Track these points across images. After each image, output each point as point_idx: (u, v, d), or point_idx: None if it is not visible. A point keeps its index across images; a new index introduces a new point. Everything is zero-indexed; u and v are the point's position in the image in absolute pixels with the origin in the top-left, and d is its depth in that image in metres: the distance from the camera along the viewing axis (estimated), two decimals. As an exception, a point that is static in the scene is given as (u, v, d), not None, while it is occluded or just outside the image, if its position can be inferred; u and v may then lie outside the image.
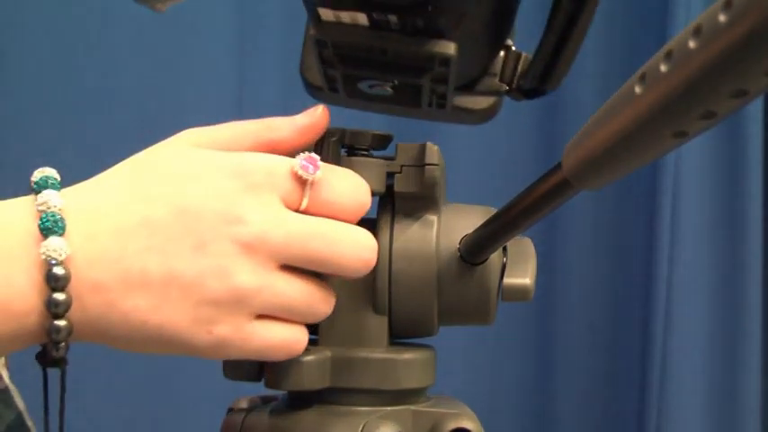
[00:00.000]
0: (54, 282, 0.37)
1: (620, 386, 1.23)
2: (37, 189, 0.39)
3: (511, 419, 1.24)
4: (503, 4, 0.44)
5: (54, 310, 0.37)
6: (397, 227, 0.46)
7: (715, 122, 0.29)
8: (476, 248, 0.45)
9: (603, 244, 1.23)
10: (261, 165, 0.40)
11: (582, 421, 1.23)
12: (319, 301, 0.42)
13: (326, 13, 0.42)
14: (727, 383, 1.18)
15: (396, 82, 0.44)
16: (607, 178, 0.34)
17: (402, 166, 0.45)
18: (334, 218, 0.41)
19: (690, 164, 1.18)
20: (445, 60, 0.42)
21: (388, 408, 0.46)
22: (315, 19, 0.43)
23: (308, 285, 0.41)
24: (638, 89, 0.30)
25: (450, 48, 0.42)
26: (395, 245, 0.46)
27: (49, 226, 0.37)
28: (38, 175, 0.40)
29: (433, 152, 0.45)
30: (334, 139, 0.45)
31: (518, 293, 0.46)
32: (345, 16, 0.42)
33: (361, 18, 0.42)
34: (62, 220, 0.37)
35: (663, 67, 0.28)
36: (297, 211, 0.41)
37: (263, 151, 0.42)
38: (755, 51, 0.25)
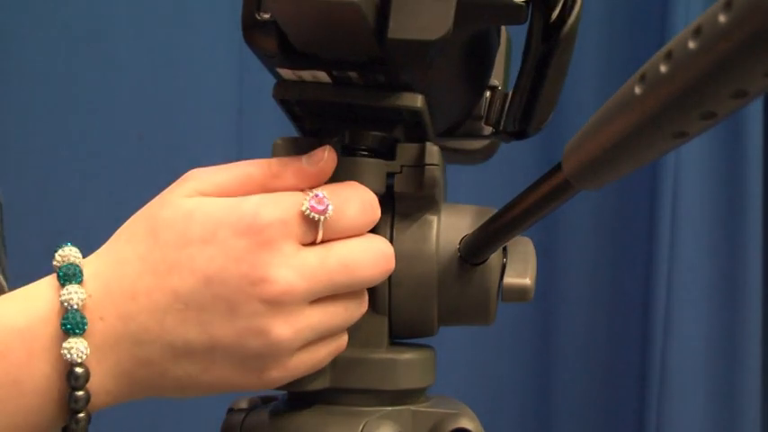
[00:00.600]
0: (75, 381, 0.38)
1: (620, 386, 1.23)
2: (62, 279, 0.39)
3: (511, 419, 1.24)
4: (474, 49, 0.44)
5: (74, 406, 0.39)
6: (396, 227, 0.46)
7: (715, 123, 0.29)
8: (476, 249, 0.45)
9: (603, 244, 1.23)
10: (273, 217, 0.40)
11: (582, 421, 1.23)
12: (353, 311, 0.43)
13: (287, 73, 0.43)
14: (727, 383, 1.18)
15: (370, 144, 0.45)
16: (607, 178, 0.34)
17: (402, 166, 0.45)
18: (348, 238, 0.42)
19: (690, 164, 1.18)
20: (413, 113, 0.43)
21: (388, 408, 0.46)
22: (276, 78, 0.43)
23: (339, 305, 0.42)
24: (637, 90, 0.30)
25: (416, 100, 0.43)
26: (395, 245, 0.45)
27: (70, 328, 0.38)
28: (61, 261, 0.40)
29: (433, 152, 0.44)
30: (334, 139, 0.45)
31: (518, 294, 0.46)
32: (306, 75, 0.42)
33: (323, 76, 0.42)
34: (84, 319, 0.39)
35: (663, 68, 0.28)
36: (313, 244, 0.41)
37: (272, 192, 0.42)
38: (756, 52, 0.25)
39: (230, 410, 0.49)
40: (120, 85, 1.13)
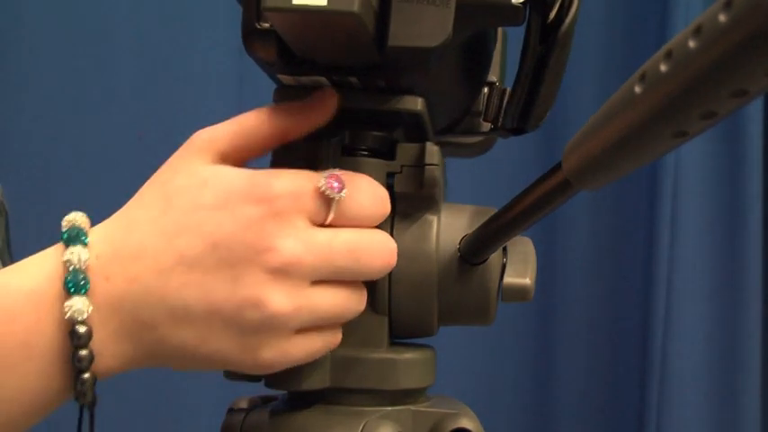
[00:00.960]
0: (77, 339, 0.38)
1: (620, 386, 1.23)
2: (66, 242, 0.40)
3: (511, 419, 1.24)
4: (473, 49, 0.44)
5: (78, 365, 0.39)
6: (397, 227, 0.46)
7: (715, 122, 0.29)
8: (476, 248, 0.45)
9: (603, 244, 1.23)
10: (286, 188, 0.40)
11: (582, 421, 1.23)
12: (353, 303, 0.43)
13: (287, 79, 0.43)
14: (727, 383, 1.18)
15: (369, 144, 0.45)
16: (607, 178, 0.34)
17: (402, 166, 0.45)
18: (356, 227, 0.42)
19: (690, 164, 1.18)
20: (414, 115, 0.43)
21: (388, 408, 0.46)
22: (276, 83, 0.43)
23: (340, 292, 0.42)
24: (637, 89, 0.30)
25: (416, 103, 0.43)
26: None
27: (71, 287, 0.39)
28: (66, 225, 0.41)
29: (433, 152, 0.45)
30: (335, 139, 0.45)
31: (518, 293, 0.46)
32: (306, 80, 0.42)
33: (323, 81, 0.42)
34: (86, 279, 0.39)
35: (663, 67, 0.28)
36: (322, 225, 0.41)
37: (278, 142, 0.43)
38: (756, 52, 0.25)
39: (230, 410, 0.49)
40: (120, 85, 1.13)
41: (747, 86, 0.26)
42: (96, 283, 0.39)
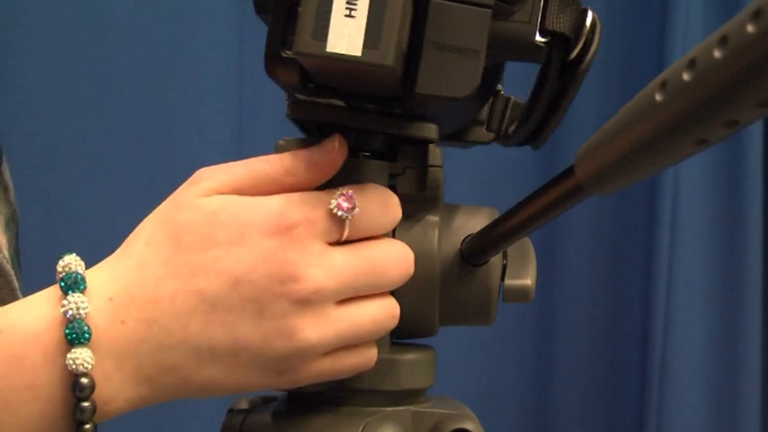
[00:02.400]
0: (80, 392, 0.38)
1: (620, 386, 1.23)
2: (64, 288, 0.39)
3: (511, 419, 1.24)
4: (489, 74, 0.44)
5: (79, 416, 0.38)
6: (399, 228, 0.46)
7: (738, 130, 0.29)
8: (480, 250, 0.45)
9: (603, 244, 1.24)
10: (300, 215, 0.40)
11: (582, 421, 1.23)
12: (383, 315, 0.42)
13: (302, 96, 0.43)
14: (727, 383, 1.18)
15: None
16: (623, 183, 0.34)
17: (405, 167, 0.45)
18: (371, 239, 0.42)
19: (689, 164, 1.18)
20: (426, 141, 0.43)
21: (389, 408, 0.46)
22: (290, 98, 0.43)
23: (367, 307, 0.42)
24: (658, 97, 0.30)
25: (431, 131, 0.43)
26: (396, 246, 0.45)
27: (74, 337, 0.38)
28: (62, 270, 0.39)
29: (436, 154, 0.45)
30: None
31: (519, 294, 0.46)
32: (322, 99, 0.42)
33: (338, 102, 0.42)
34: (88, 328, 0.38)
35: (686, 76, 0.28)
36: (338, 243, 0.41)
37: (287, 192, 0.42)
38: None
39: (230, 411, 0.49)
40: (120, 85, 1.13)
41: None
42: (111, 327, 0.39)
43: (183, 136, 1.14)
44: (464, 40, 0.39)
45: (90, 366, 0.38)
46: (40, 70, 1.11)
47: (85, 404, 0.38)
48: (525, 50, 0.41)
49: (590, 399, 1.23)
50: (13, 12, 1.10)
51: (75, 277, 0.39)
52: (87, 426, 0.38)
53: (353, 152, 0.45)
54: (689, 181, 1.18)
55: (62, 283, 0.39)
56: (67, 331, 0.38)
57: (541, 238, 1.18)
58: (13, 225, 0.60)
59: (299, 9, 0.37)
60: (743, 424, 1.17)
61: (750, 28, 0.25)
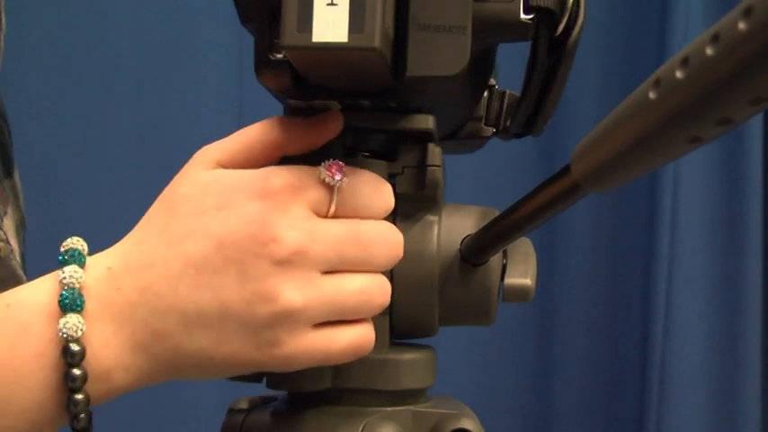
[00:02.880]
0: (71, 358, 0.38)
1: (620, 386, 1.23)
2: (62, 262, 0.40)
3: (511, 419, 1.24)
4: (479, 61, 0.45)
5: (71, 384, 0.38)
6: (398, 228, 0.46)
7: (731, 128, 0.29)
8: (479, 249, 0.45)
9: (603, 244, 1.24)
10: (286, 180, 0.40)
11: (582, 421, 1.23)
12: (374, 292, 0.42)
13: (298, 103, 0.43)
14: (726, 384, 1.18)
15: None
16: (618, 182, 0.34)
17: (404, 167, 0.45)
18: (361, 219, 0.42)
19: (689, 164, 1.18)
20: (426, 133, 0.43)
21: (389, 408, 0.46)
22: (283, 104, 0.43)
23: (355, 280, 0.41)
24: (652, 94, 0.30)
25: (428, 122, 0.43)
26: (396, 245, 0.45)
27: (68, 303, 0.39)
28: (64, 248, 0.41)
29: (435, 153, 0.45)
30: (338, 140, 0.45)
31: (519, 294, 0.46)
32: (317, 103, 0.42)
33: (334, 104, 0.42)
34: (81, 296, 0.39)
35: (679, 74, 0.28)
36: (325, 216, 0.41)
37: (278, 155, 0.43)
38: None
39: (230, 411, 0.49)
40: (120, 85, 1.13)
41: (765, 93, 0.26)
42: (108, 294, 0.40)
43: (183, 136, 1.14)
44: (449, 18, 0.39)
45: (80, 332, 0.38)
46: (39, 70, 1.11)
47: (76, 371, 0.38)
48: (512, 29, 0.41)
49: (590, 399, 1.23)
50: (13, 12, 1.10)
51: (74, 252, 0.40)
52: (79, 396, 0.39)
53: (352, 152, 0.45)
54: (689, 181, 1.18)
55: (60, 258, 0.40)
56: (60, 299, 0.39)
57: (542, 238, 1.18)
58: (22, 230, 0.61)
59: (282, 5, 0.37)
60: (743, 424, 1.17)
61: (741, 25, 0.25)
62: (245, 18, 0.42)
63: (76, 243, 0.41)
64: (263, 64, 0.41)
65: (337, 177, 0.41)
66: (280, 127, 0.43)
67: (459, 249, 0.45)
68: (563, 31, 0.42)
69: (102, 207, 1.11)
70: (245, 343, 0.40)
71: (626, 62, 1.22)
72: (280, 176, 0.40)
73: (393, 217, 0.46)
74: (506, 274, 0.46)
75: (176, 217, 0.40)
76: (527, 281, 0.46)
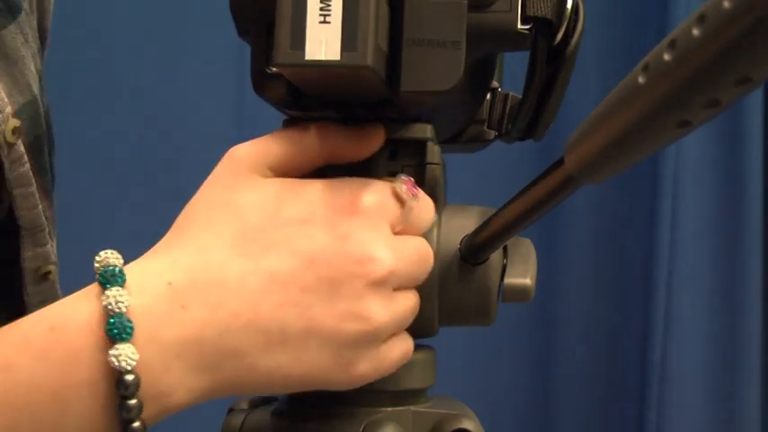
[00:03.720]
0: (124, 389, 0.35)
1: (620, 386, 1.23)
2: (102, 283, 0.37)
3: (511, 420, 1.24)
4: (478, 68, 0.45)
5: (126, 415, 0.36)
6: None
7: (719, 111, 0.29)
8: (477, 248, 0.45)
9: (603, 244, 1.24)
10: (375, 197, 0.40)
11: (582, 422, 1.23)
12: (415, 308, 0.43)
13: (295, 113, 0.43)
14: (726, 384, 1.18)
15: None
16: (612, 171, 0.34)
17: (403, 165, 0.45)
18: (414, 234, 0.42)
19: (690, 164, 1.18)
20: (423, 142, 0.43)
21: (389, 408, 0.46)
22: (283, 113, 0.43)
23: (411, 296, 0.42)
24: (641, 79, 0.30)
25: (426, 131, 0.44)
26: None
27: (117, 332, 0.36)
28: (99, 266, 0.37)
29: (434, 152, 0.45)
30: None
31: (519, 294, 0.46)
32: (316, 114, 0.42)
33: (332, 114, 0.42)
34: (129, 323, 0.36)
35: (666, 57, 0.28)
36: (395, 232, 0.41)
37: (324, 164, 0.42)
38: (759, 38, 0.25)
39: (231, 410, 0.49)
40: (120, 85, 1.13)
41: (751, 74, 0.26)
42: (170, 312, 0.37)
43: (183, 136, 1.14)
44: (442, 33, 0.39)
45: (133, 362, 0.35)
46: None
47: (132, 402, 0.36)
48: (510, 39, 0.41)
49: (590, 399, 1.23)
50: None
51: (113, 271, 0.37)
52: (136, 424, 0.36)
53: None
54: (689, 181, 1.18)
55: (100, 278, 0.37)
56: (108, 328, 0.35)
57: (541, 237, 1.18)
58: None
59: (275, 22, 0.37)
60: (743, 424, 1.17)
61: (726, 3, 0.25)
62: (242, 30, 0.42)
63: (111, 257, 0.37)
64: (259, 77, 0.41)
65: (413, 194, 0.41)
66: (329, 135, 0.42)
67: (459, 249, 0.45)
68: (561, 39, 0.42)
69: (102, 207, 1.11)
70: (326, 362, 0.39)
71: (627, 64, 1.22)
72: (369, 192, 0.40)
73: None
74: (506, 274, 0.46)
75: (249, 227, 0.38)
76: (527, 281, 0.46)
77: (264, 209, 0.39)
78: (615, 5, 1.21)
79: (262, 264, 0.38)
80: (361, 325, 0.38)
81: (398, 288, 0.41)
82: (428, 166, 0.44)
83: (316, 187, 0.40)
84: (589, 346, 1.23)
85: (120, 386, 0.35)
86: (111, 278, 0.36)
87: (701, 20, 0.26)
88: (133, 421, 0.36)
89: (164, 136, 1.14)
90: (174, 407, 0.38)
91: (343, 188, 0.40)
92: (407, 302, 0.42)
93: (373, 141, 0.43)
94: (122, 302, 0.36)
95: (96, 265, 0.37)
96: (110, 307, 0.36)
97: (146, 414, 0.36)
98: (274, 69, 0.40)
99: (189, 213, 0.40)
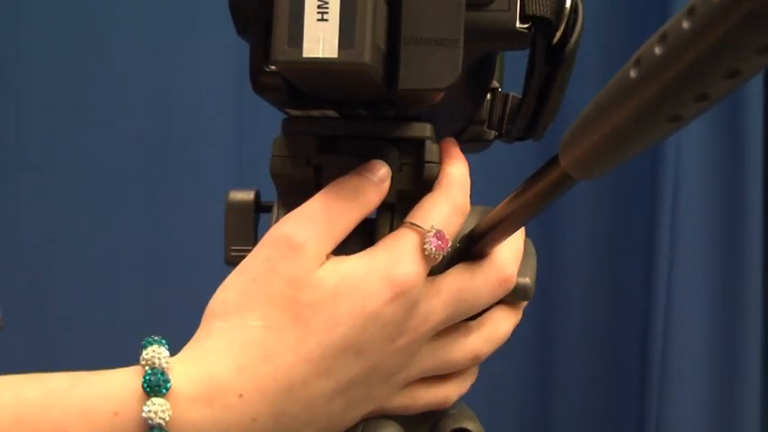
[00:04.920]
0: None
1: (620, 386, 1.23)
2: (147, 390, 0.35)
3: (511, 419, 1.24)
4: (478, 68, 0.45)
5: None
6: (396, 226, 0.46)
7: (710, 105, 0.29)
8: (475, 247, 0.45)
9: (603, 244, 1.23)
10: (407, 273, 0.40)
11: (582, 421, 1.23)
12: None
13: (295, 112, 0.43)
14: (727, 383, 1.18)
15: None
16: (606, 167, 0.34)
17: (402, 163, 0.45)
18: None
19: (690, 163, 1.18)
20: (421, 141, 0.43)
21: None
22: (281, 111, 0.43)
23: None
24: (633, 74, 0.30)
25: (425, 130, 0.44)
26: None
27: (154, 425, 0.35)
28: (146, 364, 0.36)
29: (433, 150, 0.45)
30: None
31: (518, 293, 0.46)
32: (315, 112, 0.43)
33: (331, 112, 0.42)
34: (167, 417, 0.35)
35: (657, 50, 0.28)
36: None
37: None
38: (749, 30, 0.25)
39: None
40: (120, 85, 1.13)
41: (741, 67, 0.26)
42: (242, 425, 0.37)
43: (183, 136, 1.14)
44: (441, 31, 0.39)
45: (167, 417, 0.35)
46: (39, 70, 1.11)
47: None
48: (508, 38, 0.42)
49: (590, 398, 1.23)
50: (13, 11, 1.10)
51: (160, 378, 0.36)
52: None
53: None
54: (689, 180, 1.18)
55: (144, 385, 0.35)
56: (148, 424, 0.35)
57: (541, 237, 1.18)
58: None
59: (273, 19, 0.37)
60: (743, 424, 1.17)
61: None
62: (240, 29, 0.43)
63: (157, 354, 0.36)
64: (258, 75, 0.41)
65: (443, 248, 0.41)
66: (357, 195, 0.42)
67: (458, 247, 0.45)
68: (560, 38, 0.42)
69: (102, 207, 1.11)
70: (352, 421, 0.42)
71: (626, 61, 1.22)
72: (401, 270, 0.40)
73: (391, 214, 0.46)
74: (506, 273, 0.46)
75: (310, 331, 0.38)
76: (526, 279, 0.46)
77: (324, 310, 0.39)
78: (615, 5, 1.21)
79: (321, 367, 0.39)
80: (390, 390, 0.43)
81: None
82: (426, 164, 0.44)
83: (363, 275, 0.40)
84: (589, 345, 1.23)
85: None
86: (154, 384, 0.35)
87: (690, 12, 0.26)
88: None
89: (164, 136, 1.14)
90: None
91: (382, 268, 0.40)
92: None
93: (387, 176, 0.43)
94: (165, 414, 0.35)
95: (142, 363, 0.37)
96: (150, 420, 0.35)
97: None
98: (273, 67, 0.40)
99: (247, 304, 0.39)
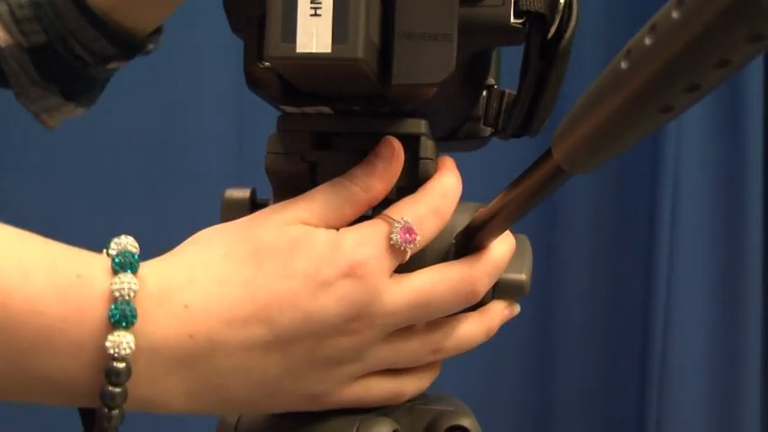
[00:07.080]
0: (115, 377, 0.36)
1: (620, 385, 1.23)
2: (116, 268, 0.37)
3: (509, 417, 1.24)
4: (472, 64, 0.45)
5: (109, 402, 0.37)
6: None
7: (700, 96, 0.29)
8: (471, 243, 0.45)
9: (603, 242, 1.24)
10: (368, 254, 0.40)
11: (581, 419, 1.23)
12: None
13: (290, 108, 0.43)
14: (727, 382, 1.18)
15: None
16: (599, 160, 0.34)
17: None
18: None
19: (690, 161, 1.18)
20: (416, 137, 0.43)
21: (385, 405, 0.46)
22: (277, 109, 0.43)
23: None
24: (624, 65, 0.30)
25: (420, 126, 0.44)
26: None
27: (118, 319, 0.36)
28: (116, 247, 0.38)
29: (428, 147, 0.45)
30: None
31: (513, 289, 0.46)
32: (310, 109, 0.43)
33: (326, 109, 0.42)
34: (133, 313, 0.36)
35: (647, 40, 0.28)
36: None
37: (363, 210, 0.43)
38: (737, 19, 0.25)
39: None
40: (119, 85, 1.13)
41: (730, 56, 0.26)
42: (178, 337, 0.38)
43: (183, 136, 1.14)
44: (434, 26, 0.39)
45: (129, 351, 0.36)
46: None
47: (117, 389, 0.37)
48: (502, 34, 0.42)
49: (590, 397, 1.23)
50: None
51: (131, 258, 0.38)
52: (115, 411, 0.37)
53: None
54: (689, 178, 1.18)
55: (115, 260, 0.37)
56: (114, 310, 0.36)
57: (541, 235, 1.18)
58: None
59: (266, 15, 0.37)
60: (743, 423, 1.17)
61: None
62: (235, 26, 0.43)
63: (129, 241, 0.39)
64: (252, 71, 0.41)
65: (410, 241, 0.41)
66: (364, 182, 0.42)
67: (454, 244, 0.45)
68: (555, 33, 0.42)
69: (102, 207, 1.12)
70: (296, 399, 0.42)
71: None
72: (362, 249, 0.40)
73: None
74: (501, 269, 0.46)
75: (263, 272, 0.39)
76: (521, 276, 0.46)
77: (279, 255, 0.39)
78: (615, 5, 1.22)
79: (265, 312, 0.39)
80: (335, 373, 0.42)
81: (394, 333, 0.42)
82: (421, 160, 0.44)
83: (325, 241, 0.40)
84: (589, 343, 1.23)
85: (110, 374, 0.36)
86: (125, 262, 0.37)
87: (680, 2, 0.27)
88: (114, 408, 0.37)
89: (164, 136, 1.14)
90: (143, 408, 0.39)
91: (345, 247, 0.40)
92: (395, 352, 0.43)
93: (399, 161, 0.43)
94: (132, 289, 0.37)
95: (113, 247, 0.39)
96: (117, 294, 0.36)
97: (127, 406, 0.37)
98: (267, 64, 0.40)
99: (216, 234, 0.41)
